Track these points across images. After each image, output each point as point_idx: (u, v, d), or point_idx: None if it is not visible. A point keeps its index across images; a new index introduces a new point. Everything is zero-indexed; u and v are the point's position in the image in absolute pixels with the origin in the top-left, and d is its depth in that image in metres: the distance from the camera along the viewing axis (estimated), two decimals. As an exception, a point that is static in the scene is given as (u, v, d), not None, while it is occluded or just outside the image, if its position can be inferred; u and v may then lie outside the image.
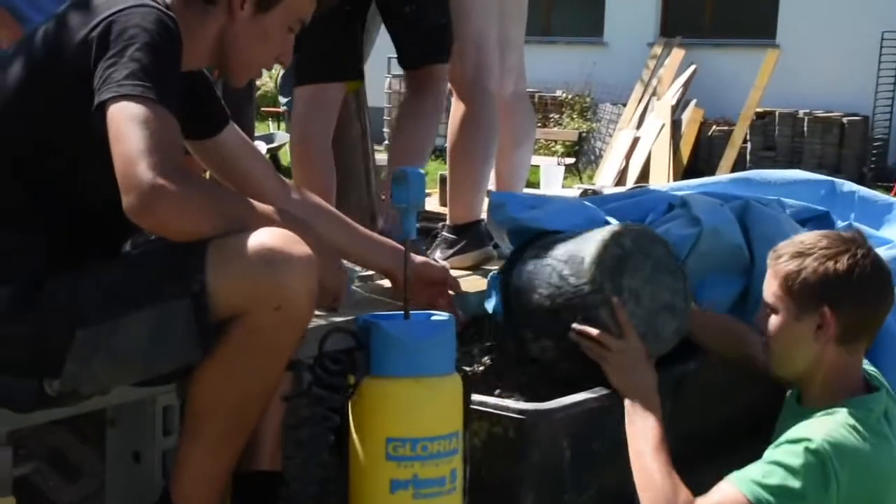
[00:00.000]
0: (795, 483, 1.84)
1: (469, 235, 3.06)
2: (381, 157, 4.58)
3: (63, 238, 1.86)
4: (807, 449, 1.85)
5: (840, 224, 2.82)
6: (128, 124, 1.68)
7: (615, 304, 2.23)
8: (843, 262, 1.96)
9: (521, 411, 2.08)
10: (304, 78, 3.14)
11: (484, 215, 3.10)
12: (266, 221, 1.81)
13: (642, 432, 2.06)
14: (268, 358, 1.83)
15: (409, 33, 3.03)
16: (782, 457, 1.87)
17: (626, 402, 2.12)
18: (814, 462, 1.84)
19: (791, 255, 2.00)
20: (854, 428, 1.89)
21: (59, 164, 1.84)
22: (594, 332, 2.21)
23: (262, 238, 1.76)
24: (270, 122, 14.35)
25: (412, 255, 2.17)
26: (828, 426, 1.89)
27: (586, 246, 2.32)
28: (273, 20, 1.99)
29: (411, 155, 2.95)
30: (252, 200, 1.86)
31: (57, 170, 1.84)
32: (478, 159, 3.14)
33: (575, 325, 2.25)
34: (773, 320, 2.02)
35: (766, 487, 1.85)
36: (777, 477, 1.85)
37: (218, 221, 1.76)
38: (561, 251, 2.38)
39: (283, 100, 4.90)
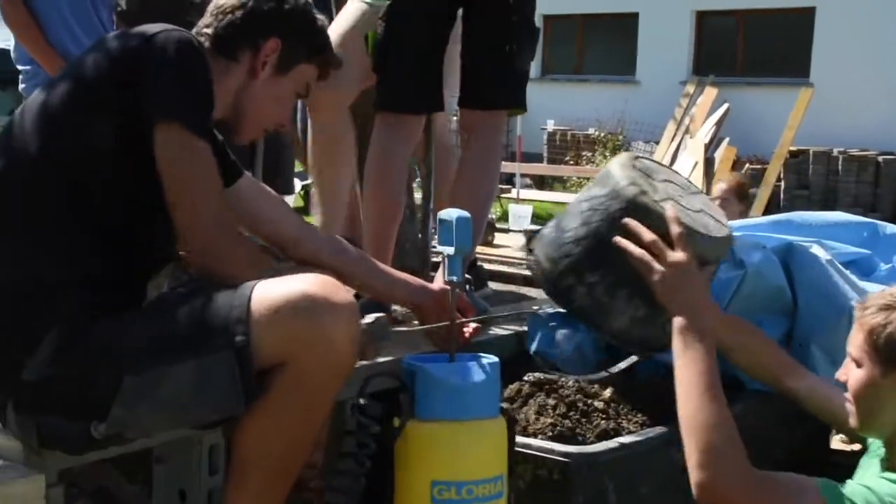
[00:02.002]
0: None
1: None
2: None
3: (109, 265, 1.87)
4: None
5: (883, 267, 2.80)
6: (191, 164, 1.83)
7: (666, 211, 2.00)
8: None
9: (565, 454, 2.08)
10: (391, 105, 2.94)
11: None
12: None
13: (692, 362, 1.89)
14: (311, 405, 1.84)
15: (499, 72, 2.90)
16: (875, 484, 1.76)
17: (675, 324, 1.95)
18: None
19: (878, 307, 1.86)
20: None
21: (103, 181, 1.86)
22: (648, 234, 2.00)
23: (304, 285, 1.79)
24: (304, 160, 14.46)
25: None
26: None
27: (606, 171, 2.16)
28: (287, 82, 2.08)
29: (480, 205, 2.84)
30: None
31: (101, 193, 1.86)
32: None
33: (627, 221, 2.02)
34: (858, 375, 1.87)
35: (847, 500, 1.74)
36: (861, 498, 1.74)
37: (254, 274, 1.87)
38: (578, 199, 2.21)
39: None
